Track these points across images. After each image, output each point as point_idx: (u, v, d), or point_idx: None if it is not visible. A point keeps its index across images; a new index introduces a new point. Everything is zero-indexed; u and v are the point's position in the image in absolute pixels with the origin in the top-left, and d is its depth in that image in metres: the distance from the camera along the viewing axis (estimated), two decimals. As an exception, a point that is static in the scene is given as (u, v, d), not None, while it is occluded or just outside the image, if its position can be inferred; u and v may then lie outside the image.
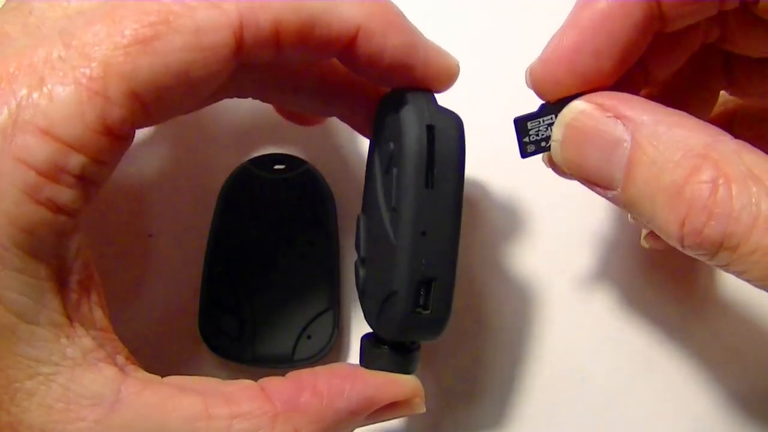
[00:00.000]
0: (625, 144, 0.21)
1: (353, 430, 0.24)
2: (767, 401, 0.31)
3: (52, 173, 0.20)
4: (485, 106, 0.30)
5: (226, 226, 0.31)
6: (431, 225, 0.22)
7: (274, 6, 0.21)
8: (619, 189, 0.21)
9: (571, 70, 0.22)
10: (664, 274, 0.32)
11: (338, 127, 0.32)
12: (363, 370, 0.24)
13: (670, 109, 0.21)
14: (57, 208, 0.20)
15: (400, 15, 0.23)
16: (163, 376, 0.23)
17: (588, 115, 0.22)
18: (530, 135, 0.24)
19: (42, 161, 0.20)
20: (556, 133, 0.23)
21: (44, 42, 0.20)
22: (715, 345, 0.32)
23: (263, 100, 0.29)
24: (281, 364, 0.30)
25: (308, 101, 0.28)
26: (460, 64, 0.25)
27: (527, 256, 0.33)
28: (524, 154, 0.24)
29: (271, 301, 0.30)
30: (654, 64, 0.25)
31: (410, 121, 0.23)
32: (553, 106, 0.23)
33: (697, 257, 0.20)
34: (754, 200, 0.19)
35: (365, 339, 0.26)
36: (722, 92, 0.28)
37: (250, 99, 0.28)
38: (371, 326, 0.25)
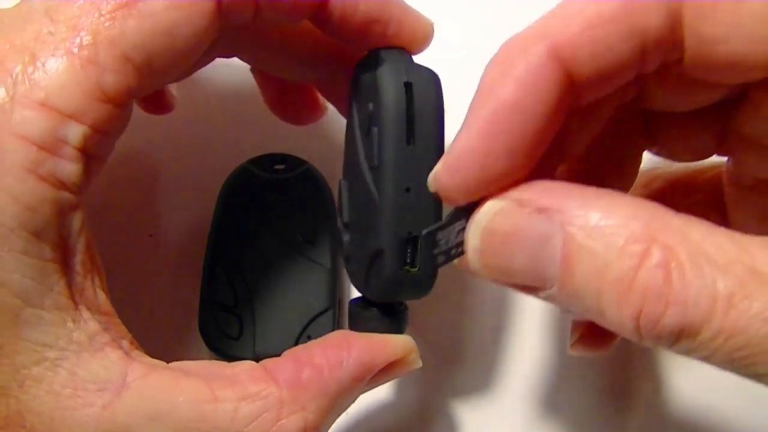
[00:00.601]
0: (554, 240, 0.18)
1: (356, 398, 0.24)
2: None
3: (53, 146, 0.20)
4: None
5: (226, 227, 0.31)
6: (414, 181, 0.22)
7: None
8: (554, 288, 0.18)
9: (482, 174, 0.19)
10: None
11: (338, 126, 0.32)
12: (355, 335, 0.24)
13: (597, 190, 0.18)
14: (60, 184, 0.20)
15: None
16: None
17: (506, 215, 0.19)
18: (440, 246, 0.21)
19: (41, 134, 0.20)
20: (472, 240, 0.20)
21: (31, 21, 0.21)
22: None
23: (247, 62, 0.29)
24: (281, 363, 0.30)
25: (291, 63, 0.28)
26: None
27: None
28: (434, 266, 0.22)
29: (271, 301, 0.30)
30: (569, 140, 0.23)
31: (388, 78, 0.23)
32: (463, 211, 0.20)
33: (656, 347, 0.19)
34: (709, 281, 0.16)
35: (353, 303, 0.26)
36: (648, 173, 0.27)
37: (249, 100, 0.28)
38: (359, 290, 0.25)
